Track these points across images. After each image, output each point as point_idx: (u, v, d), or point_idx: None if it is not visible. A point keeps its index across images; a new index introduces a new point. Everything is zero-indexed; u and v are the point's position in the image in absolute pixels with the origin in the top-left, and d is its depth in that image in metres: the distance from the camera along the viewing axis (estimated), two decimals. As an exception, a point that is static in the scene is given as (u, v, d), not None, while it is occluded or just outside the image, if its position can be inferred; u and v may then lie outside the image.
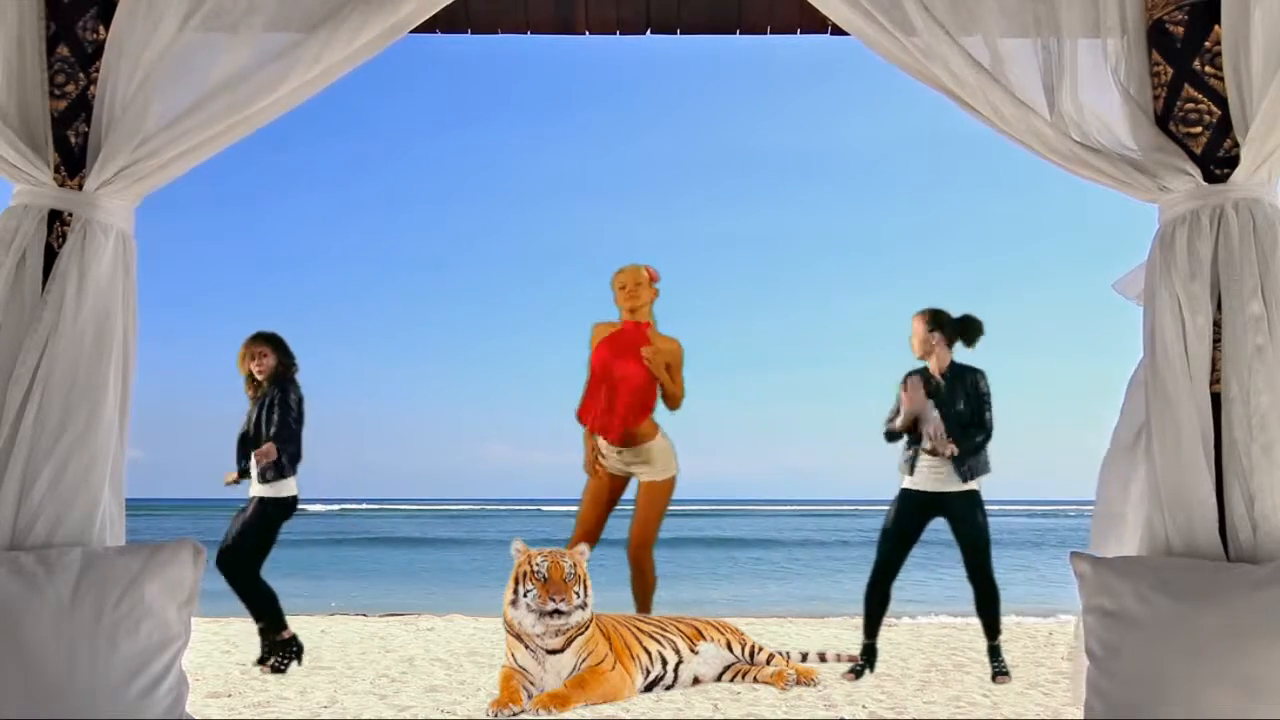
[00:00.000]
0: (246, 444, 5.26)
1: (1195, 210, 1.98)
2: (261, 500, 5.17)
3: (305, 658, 5.26)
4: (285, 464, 5.15)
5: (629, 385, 5.05)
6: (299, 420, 5.22)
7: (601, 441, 5.12)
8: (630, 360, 5.05)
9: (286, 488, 5.20)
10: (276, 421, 5.14)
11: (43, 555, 1.87)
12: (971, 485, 4.89)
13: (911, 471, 4.96)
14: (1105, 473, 2.11)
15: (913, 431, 4.97)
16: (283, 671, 5.05)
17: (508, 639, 4.23)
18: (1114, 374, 2.17)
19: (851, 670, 4.96)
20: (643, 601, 5.09)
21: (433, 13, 2.18)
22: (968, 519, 4.86)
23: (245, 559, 5.09)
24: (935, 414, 4.91)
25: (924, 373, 5.02)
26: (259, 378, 5.25)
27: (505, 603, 4.20)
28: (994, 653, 4.95)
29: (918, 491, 4.92)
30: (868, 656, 5.00)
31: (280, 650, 5.14)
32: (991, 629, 4.94)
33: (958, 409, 4.89)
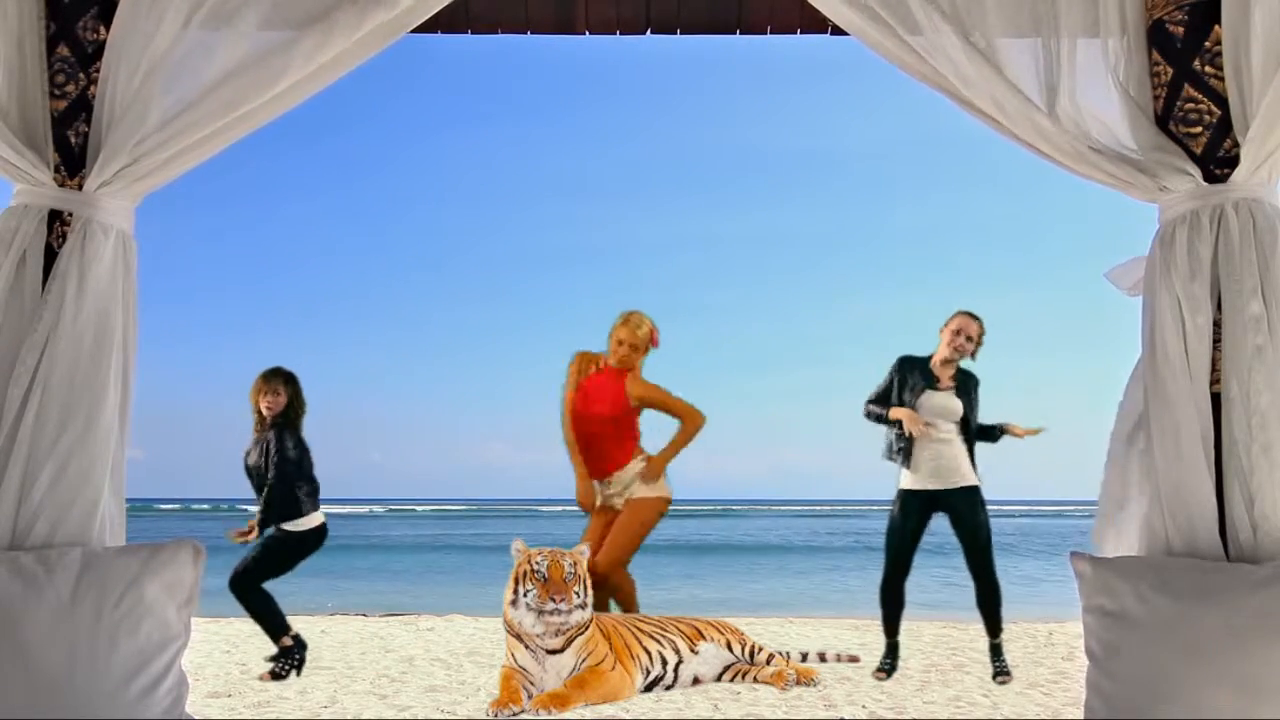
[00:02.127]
0: (256, 483, 5.23)
1: (1195, 210, 1.98)
2: (284, 531, 5.15)
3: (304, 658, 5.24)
4: (297, 502, 5.14)
5: (600, 426, 4.91)
6: (303, 463, 5.19)
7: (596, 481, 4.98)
8: (599, 403, 4.92)
9: (307, 521, 5.19)
10: (279, 468, 5.12)
11: (43, 555, 1.87)
12: (973, 481, 4.90)
13: (908, 466, 4.95)
14: (1107, 471, 2.11)
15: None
16: (283, 678, 5.03)
17: (508, 639, 4.23)
18: (1113, 373, 2.17)
19: (881, 669, 4.98)
20: (627, 608, 5.03)
21: (432, 12, 2.18)
22: (969, 516, 4.86)
23: (253, 580, 5.08)
24: (945, 404, 4.92)
25: (925, 367, 5.02)
26: (265, 414, 5.22)
27: (505, 603, 4.20)
28: (995, 651, 4.95)
29: (918, 491, 4.92)
30: (892, 654, 5.04)
31: (281, 657, 5.12)
32: (993, 627, 4.93)
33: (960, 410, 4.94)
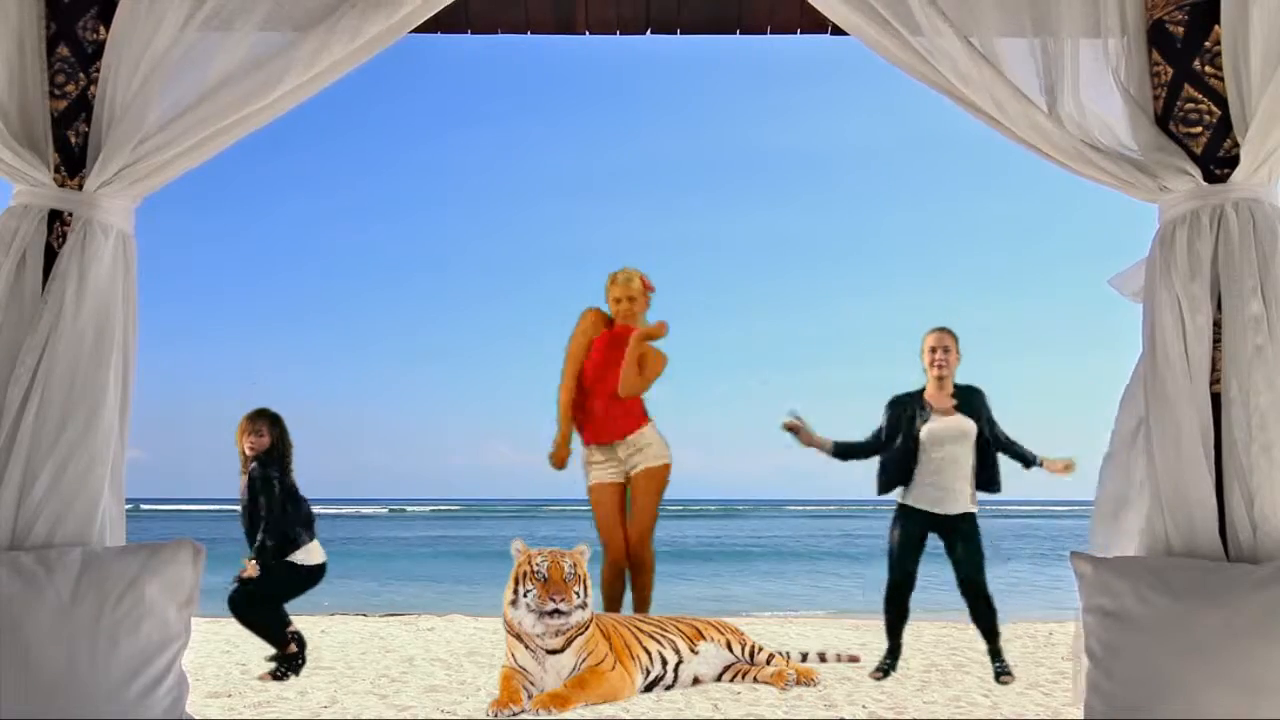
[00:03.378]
0: (247, 525, 5.17)
1: (1195, 210, 1.98)
2: (290, 563, 5.11)
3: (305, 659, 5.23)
4: (295, 540, 5.11)
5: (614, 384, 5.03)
6: (296, 501, 5.16)
7: (597, 451, 5.08)
8: (615, 360, 5.04)
9: (313, 555, 5.16)
10: (265, 508, 5.06)
11: (43, 555, 1.87)
12: (971, 508, 4.85)
13: (906, 485, 4.95)
14: (1104, 470, 2.11)
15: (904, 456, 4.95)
16: (282, 679, 5.01)
17: (508, 639, 4.23)
18: (1114, 374, 2.17)
19: (879, 669, 4.96)
20: (642, 596, 5.05)
21: (433, 13, 2.18)
22: (964, 544, 4.84)
23: (255, 603, 5.04)
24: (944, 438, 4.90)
25: (919, 399, 5.00)
26: (248, 454, 5.16)
27: (505, 603, 4.20)
28: (995, 654, 4.93)
29: (917, 510, 4.89)
30: (892, 656, 5.02)
31: (282, 660, 5.10)
32: (990, 635, 4.91)
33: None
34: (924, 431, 4.90)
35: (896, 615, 5.00)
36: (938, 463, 4.86)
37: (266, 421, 5.22)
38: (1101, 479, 2.11)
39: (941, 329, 5.04)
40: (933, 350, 4.96)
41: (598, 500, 5.08)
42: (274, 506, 5.07)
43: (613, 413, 5.04)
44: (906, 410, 4.98)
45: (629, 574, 5.04)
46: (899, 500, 4.97)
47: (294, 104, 2.17)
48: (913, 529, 4.92)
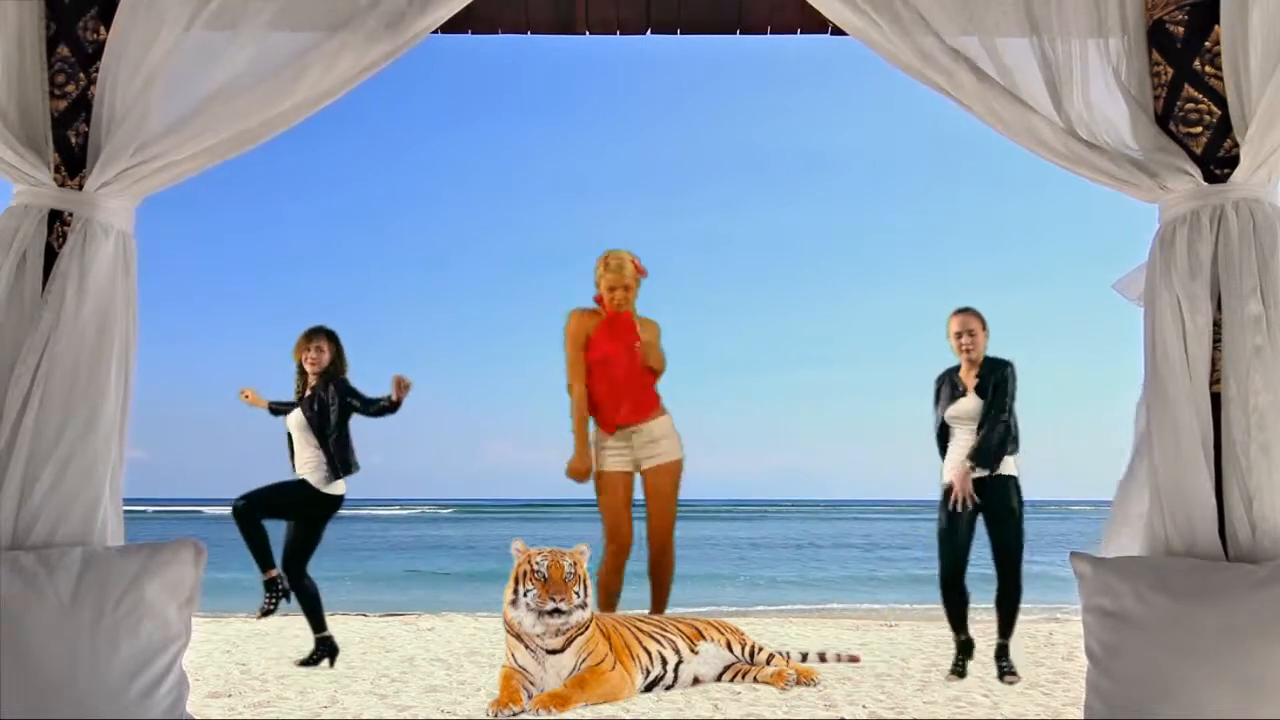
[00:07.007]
0: (314, 433, 5.21)
1: (1195, 210, 1.98)
2: (319, 493, 5.15)
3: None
4: (338, 466, 5.16)
5: (633, 370, 4.94)
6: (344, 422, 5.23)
7: (609, 439, 4.97)
8: (625, 346, 4.94)
9: (333, 487, 5.19)
10: (333, 423, 5.15)
11: (43, 555, 1.87)
12: (1006, 470, 4.75)
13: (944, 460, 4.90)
14: (1124, 480, 2.10)
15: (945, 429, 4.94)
16: (313, 664, 5.10)
17: (508, 639, 4.23)
18: (1116, 374, 2.17)
19: (953, 670, 4.88)
20: (662, 598, 4.96)
21: (444, 20, 2.18)
22: (1000, 508, 4.73)
23: (294, 559, 5.09)
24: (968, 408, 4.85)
25: (955, 375, 4.96)
26: (310, 371, 5.20)
27: (505, 603, 4.20)
28: (1002, 652, 4.87)
29: (952, 483, 4.80)
30: (963, 653, 4.91)
31: (317, 648, 5.17)
32: (1005, 627, 4.82)
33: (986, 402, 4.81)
34: (948, 412, 4.88)
35: (950, 604, 4.85)
36: (964, 442, 4.81)
37: (325, 337, 5.24)
38: (1120, 486, 2.10)
39: (965, 310, 4.94)
40: (958, 335, 4.89)
41: (609, 486, 4.90)
42: (345, 425, 5.14)
43: (623, 399, 4.92)
44: (943, 387, 4.97)
45: (651, 575, 4.90)
46: (942, 482, 4.88)
47: (302, 116, 2.16)
48: (956, 506, 4.79)
